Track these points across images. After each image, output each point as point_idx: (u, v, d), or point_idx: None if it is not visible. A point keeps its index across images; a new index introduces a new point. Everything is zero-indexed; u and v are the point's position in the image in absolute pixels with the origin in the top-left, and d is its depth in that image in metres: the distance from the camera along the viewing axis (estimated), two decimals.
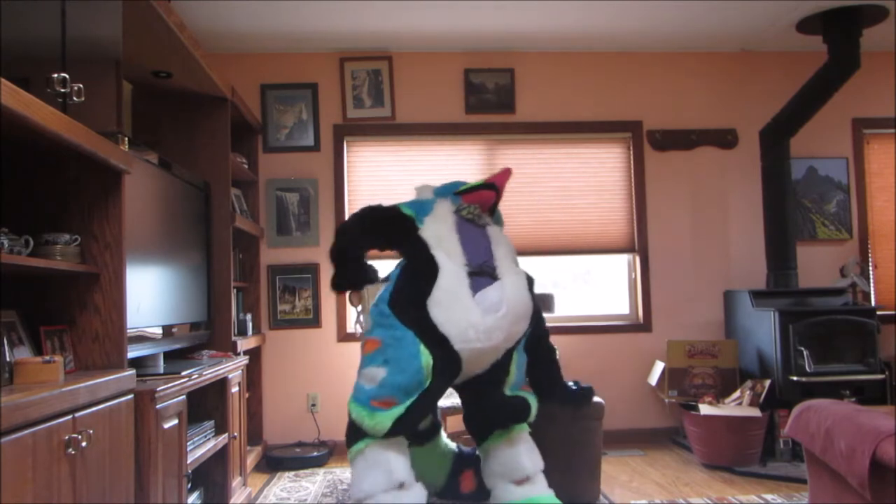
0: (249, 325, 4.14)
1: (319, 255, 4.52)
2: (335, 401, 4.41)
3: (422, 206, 2.94)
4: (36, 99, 1.69)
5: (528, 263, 4.11)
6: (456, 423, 3.46)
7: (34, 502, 1.57)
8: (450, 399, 3.51)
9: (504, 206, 4.60)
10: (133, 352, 2.45)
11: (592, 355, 4.63)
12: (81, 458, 1.79)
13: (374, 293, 2.81)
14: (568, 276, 4.86)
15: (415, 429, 2.85)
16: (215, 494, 3.06)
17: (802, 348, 4.01)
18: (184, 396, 2.57)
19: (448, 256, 2.70)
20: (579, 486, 3.19)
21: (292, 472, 4.00)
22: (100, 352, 2.20)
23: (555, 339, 4.56)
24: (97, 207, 2.22)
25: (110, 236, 2.23)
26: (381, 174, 4.64)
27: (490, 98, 4.68)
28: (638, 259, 4.73)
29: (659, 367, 4.46)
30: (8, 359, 1.89)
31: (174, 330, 3.01)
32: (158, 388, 2.29)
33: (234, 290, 3.86)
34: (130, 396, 2.15)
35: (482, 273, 2.72)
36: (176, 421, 2.48)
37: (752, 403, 3.96)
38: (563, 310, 4.64)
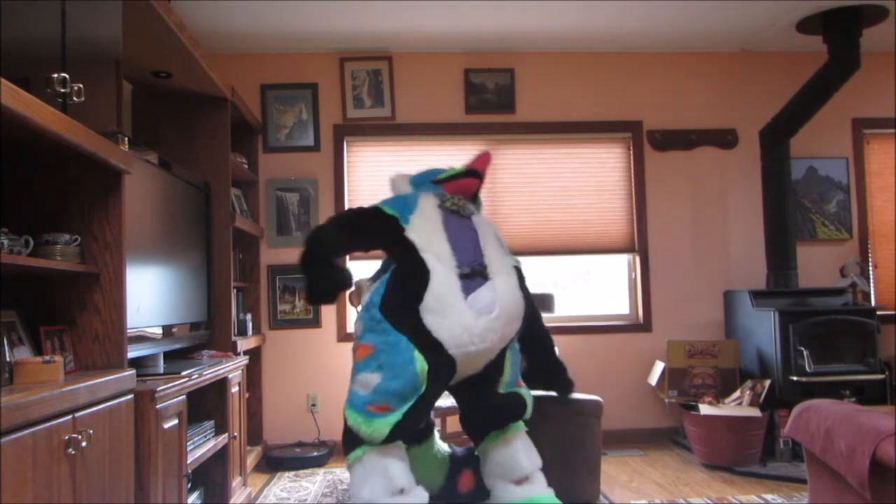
0: (249, 325, 4.14)
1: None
2: (335, 401, 4.40)
3: (405, 204, 2.84)
4: (36, 99, 1.69)
5: (528, 263, 4.11)
6: (455, 423, 3.45)
7: (34, 502, 1.57)
8: (448, 399, 3.51)
9: (504, 206, 4.66)
10: (133, 352, 2.45)
11: (592, 355, 4.63)
12: (81, 458, 1.79)
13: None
14: (568, 276, 4.86)
15: (412, 434, 2.83)
16: (215, 494, 3.06)
17: (802, 348, 4.01)
18: (184, 396, 2.57)
19: (438, 259, 2.63)
20: (578, 486, 3.19)
21: (292, 472, 4.00)
22: (100, 352, 2.20)
23: (555, 339, 4.57)
24: (97, 207, 2.22)
25: (110, 236, 2.23)
26: (381, 174, 4.63)
27: (490, 98, 4.68)
28: (638, 259, 4.73)
29: (659, 367, 4.46)
30: (8, 359, 1.89)
31: (174, 330, 3.01)
32: (158, 388, 2.29)
33: (234, 290, 3.86)
34: (130, 396, 2.15)
35: (473, 274, 2.69)
36: (176, 421, 2.48)
37: (752, 403, 3.96)
38: (563, 310, 4.64)
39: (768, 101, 4.71)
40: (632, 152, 4.76)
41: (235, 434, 3.24)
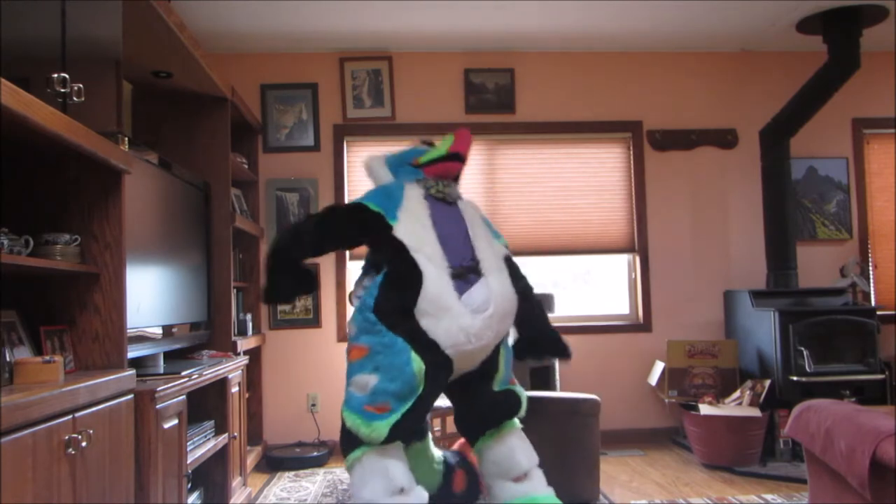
0: (249, 325, 4.14)
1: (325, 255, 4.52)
2: (335, 401, 4.38)
3: (389, 197, 2.71)
4: (36, 99, 1.69)
5: (528, 263, 4.12)
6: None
7: (34, 502, 1.57)
8: (447, 400, 3.50)
9: (504, 206, 4.66)
10: (133, 352, 2.45)
11: (592, 355, 4.63)
12: (81, 458, 1.79)
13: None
14: (568, 276, 4.86)
15: (411, 434, 2.83)
16: (215, 494, 3.06)
17: (802, 348, 4.01)
18: (184, 396, 2.57)
19: (429, 260, 2.56)
20: (577, 485, 3.19)
21: (292, 472, 4.00)
22: (100, 352, 2.20)
23: None
24: (97, 207, 2.22)
25: (110, 236, 2.22)
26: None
27: (490, 98, 4.68)
28: (638, 259, 4.73)
29: (659, 367, 4.46)
30: (8, 359, 1.89)
31: (174, 330, 3.01)
32: (158, 388, 2.29)
33: (234, 290, 3.87)
34: (130, 396, 2.15)
35: (466, 271, 2.64)
36: (176, 421, 2.48)
37: (752, 403, 3.95)
38: (563, 310, 4.64)
39: (768, 101, 4.71)
40: (632, 152, 4.76)
41: (235, 434, 3.24)
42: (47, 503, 1.63)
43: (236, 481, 3.26)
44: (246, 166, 4.30)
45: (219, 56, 4.48)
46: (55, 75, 1.91)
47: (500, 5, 3.99)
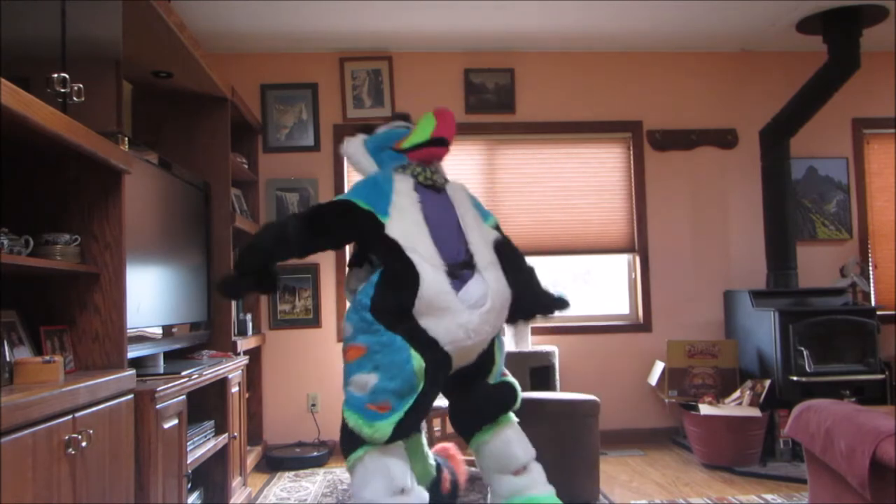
0: (249, 325, 4.14)
1: (320, 255, 4.51)
2: (335, 401, 4.39)
3: (378, 191, 2.64)
4: (36, 99, 1.69)
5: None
6: None
7: (34, 502, 1.57)
8: (445, 400, 3.50)
9: (504, 206, 4.65)
10: (133, 352, 2.45)
11: (592, 355, 4.63)
12: (81, 458, 1.79)
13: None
14: (568, 276, 4.86)
15: (414, 432, 2.82)
16: (215, 494, 3.06)
17: (802, 348, 4.01)
18: (184, 396, 2.57)
19: (425, 259, 2.52)
20: (577, 486, 3.19)
21: (292, 472, 4.00)
22: (100, 352, 2.20)
23: (555, 339, 4.59)
24: (97, 207, 2.22)
25: (110, 236, 2.22)
26: None
27: (490, 98, 4.68)
28: (638, 259, 4.73)
29: (659, 367, 4.46)
30: (8, 359, 1.89)
31: (174, 330, 3.01)
32: (158, 388, 2.29)
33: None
34: (130, 396, 2.15)
35: (461, 267, 2.62)
36: (176, 421, 2.48)
37: (752, 403, 3.95)
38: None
39: (768, 101, 4.71)
40: (632, 152, 4.76)
41: (235, 434, 3.24)
42: (47, 503, 1.63)
43: (236, 481, 3.26)
44: (246, 166, 4.30)
45: (219, 56, 4.48)
46: (55, 75, 1.91)
47: (500, 5, 3.99)
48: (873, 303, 4.70)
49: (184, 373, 2.60)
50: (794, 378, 3.99)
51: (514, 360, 3.99)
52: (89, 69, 2.17)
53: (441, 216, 2.69)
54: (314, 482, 3.78)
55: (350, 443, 2.55)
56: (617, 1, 3.97)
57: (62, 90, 1.91)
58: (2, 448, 1.45)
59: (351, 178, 4.62)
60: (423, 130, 2.81)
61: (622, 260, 4.81)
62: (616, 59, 4.77)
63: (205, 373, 2.80)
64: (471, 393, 2.76)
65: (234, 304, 3.78)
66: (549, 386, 4.11)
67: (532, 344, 4.34)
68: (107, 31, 2.29)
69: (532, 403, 3.22)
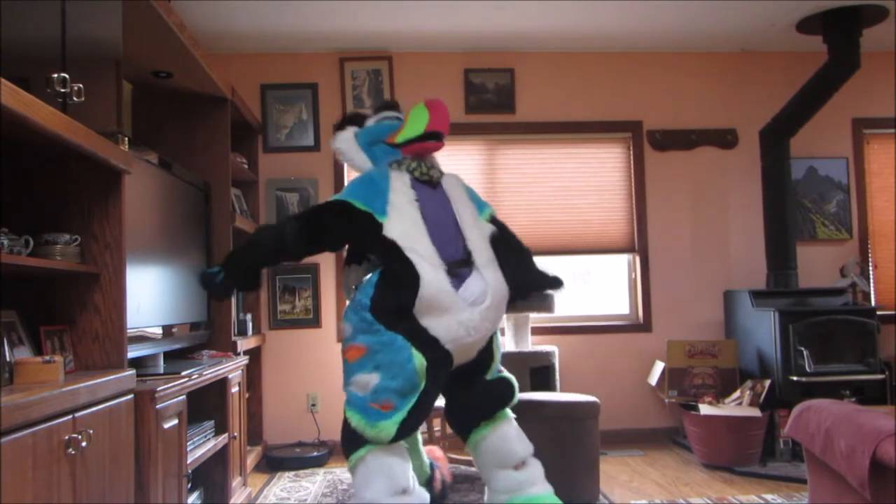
0: (249, 325, 4.14)
1: (320, 255, 4.51)
2: (335, 401, 4.39)
3: (374, 189, 2.62)
4: (36, 99, 1.69)
5: None
6: None
7: (34, 502, 1.57)
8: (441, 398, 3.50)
9: (504, 206, 4.65)
10: (133, 352, 2.45)
11: (592, 355, 4.63)
12: (81, 458, 1.79)
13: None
14: (568, 276, 4.84)
15: (416, 431, 2.82)
16: (215, 494, 3.06)
17: (802, 348, 4.01)
18: (184, 396, 2.57)
19: (424, 259, 2.52)
20: (577, 486, 3.19)
21: (292, 472, 4.00)
22: (100, 352, 2.20)
23: (555, 339, 4.59)
24: (97, 207, 2.22)
25: (110, 236, 2.23)
26: None
27: (490, 98, 4.68)
28: (638, 259, 4.73)
29: (659, 367, 4.46)
30: (8, 359, 1.89)
31: (174, 330, 3.01)
32: (158, 388, 2.29)
33: (234, 290, 3.86)
34: (130, 396, 2.15)
35: (460, 265, 2.61)
36: (176, 421, 2.48)
37: (752, 403, 3.96)
38: (563, 310, 4.63)
39: (768, 101, 4.71)
40: (632, 152, 4.76)
41: (235, 434, 3.24)
42: (47, 503, 1.63)
43: (236, 481, 3.26)
44: (246, 166, 4.30)
45: (219, 56, 4.48)
46: (55, 75, 1.91)
47: (500, 5, 3.99)
48: (873, 303, 4.69)
49: (184, 373, 2.60)
50: (794, 378, 3.99)
51: (514, 360, 3.99)
52: (89, 69, 2.17)
53: (438, 213, 2.69)
54: (314, 482, 3.78)
55: (352, 442, 2.55)
56: (617, 1, 3.97)
57: (62, 90, 1.91)
58: (2, 448, 1.45)
59: (351, 178, 4.62)
60: (416, 124, 2.79)
61: (622, 260, 4.81)
62: (616, 59, 4.77)
63: (205, 373, 2.80)
64: (468, 389, 2.76)
65: (234, 304, 3.78)
66: (549, 386, 4.11)
67: (532, 344, 4.34)
68: (107, 31, 2.29)
69: (532, 405, 3.23)
